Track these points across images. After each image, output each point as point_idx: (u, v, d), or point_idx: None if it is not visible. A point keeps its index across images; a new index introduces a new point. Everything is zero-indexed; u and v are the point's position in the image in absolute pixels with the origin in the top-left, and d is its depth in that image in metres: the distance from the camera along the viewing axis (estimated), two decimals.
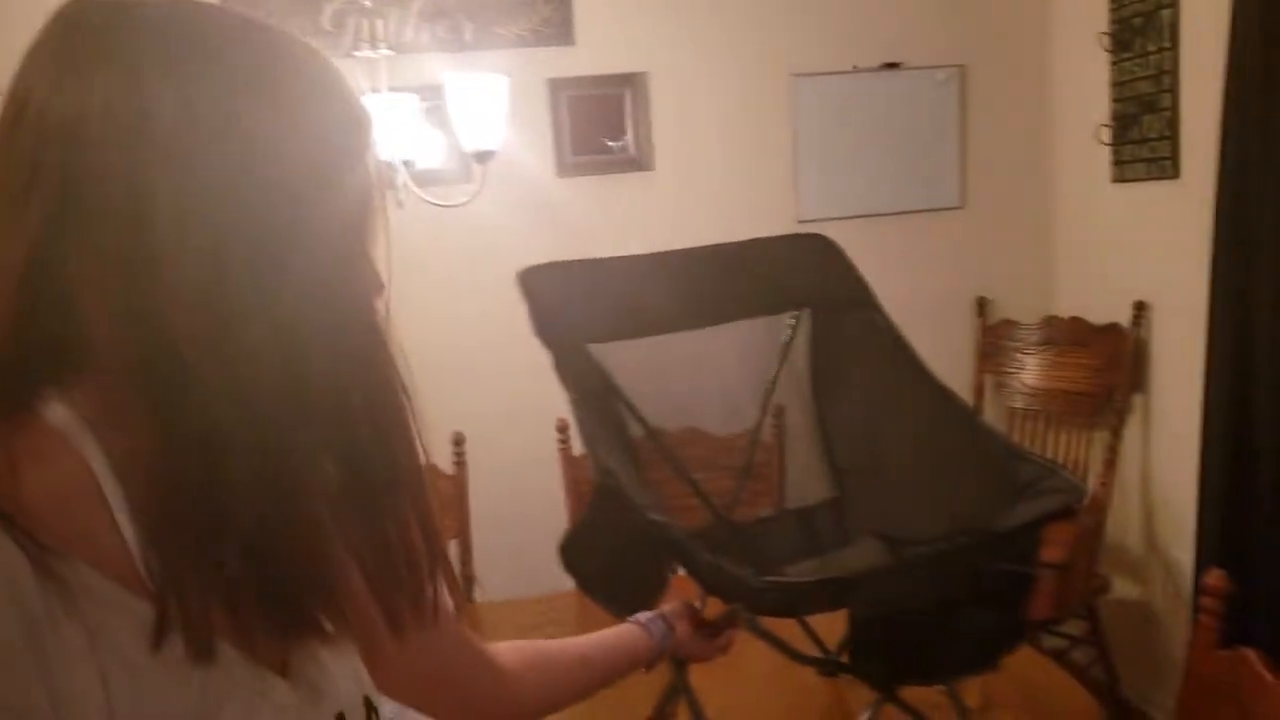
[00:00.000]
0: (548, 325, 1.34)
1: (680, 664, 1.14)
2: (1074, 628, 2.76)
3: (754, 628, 1.09)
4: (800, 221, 2.84)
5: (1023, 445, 1.17)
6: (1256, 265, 2.01)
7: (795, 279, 1.51)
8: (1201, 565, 2.23)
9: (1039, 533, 1.01)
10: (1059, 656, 2.85)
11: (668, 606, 1.09)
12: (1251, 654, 1.00)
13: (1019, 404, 2.84)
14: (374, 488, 0.58)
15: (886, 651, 1.01)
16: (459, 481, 2.18)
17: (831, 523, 1.53)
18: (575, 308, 1.41)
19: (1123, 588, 2.79)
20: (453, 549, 2.22)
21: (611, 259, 1.48)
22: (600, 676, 0.97)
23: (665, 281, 1.47)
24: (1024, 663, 1.62)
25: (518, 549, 2.23)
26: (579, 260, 1.46)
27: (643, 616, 1.05)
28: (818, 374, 1.53)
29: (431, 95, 2.20)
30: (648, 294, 1.46)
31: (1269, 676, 0.96)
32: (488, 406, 2.58)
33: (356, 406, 0.56)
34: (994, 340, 2.93)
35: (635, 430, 1.47)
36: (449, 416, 2.36)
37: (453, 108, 1.96)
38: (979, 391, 2.93)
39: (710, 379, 1.59)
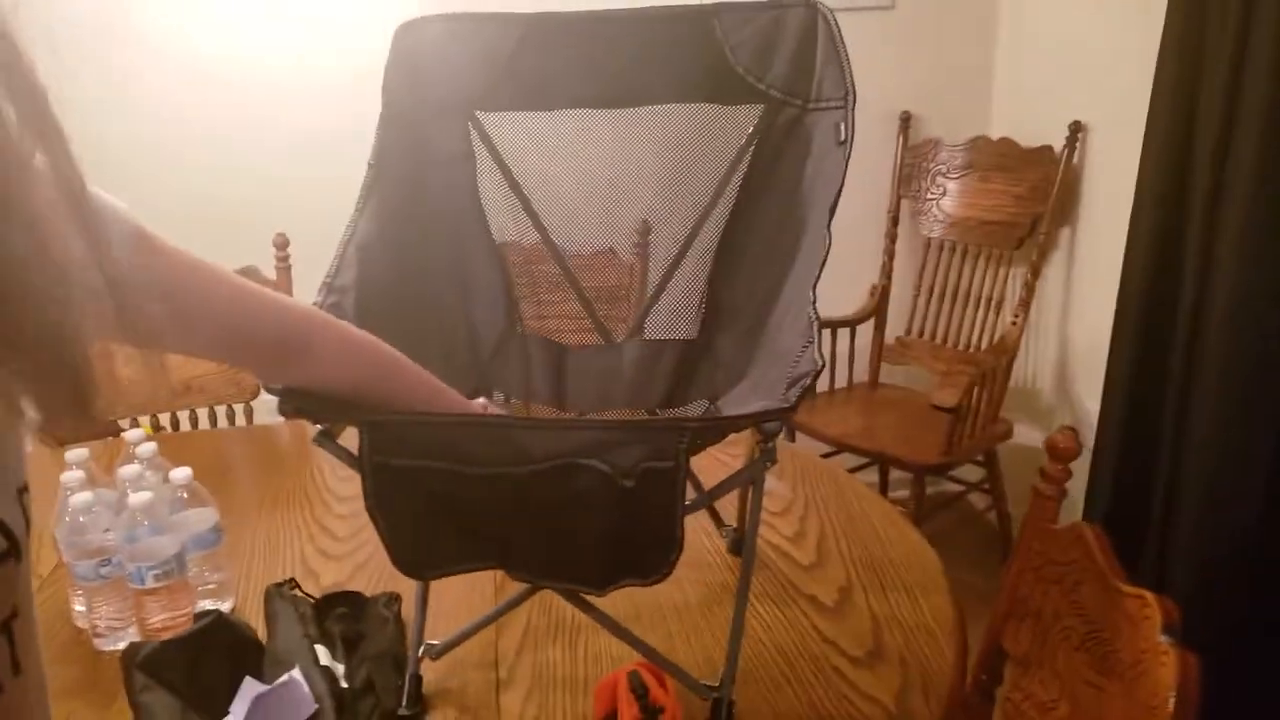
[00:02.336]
0: (402, 82, 1.13)
1: None
2: (972, 473, 2.65)
3: None
4: None
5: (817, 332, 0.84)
6: (1205, 81, 1.72)
7: (765, 63, 1.17)
8: (1107, 416, 2.07)
9: (678, 442, 0.69)
10: (951, 502, 2.75)
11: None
12: (1089, 531, 0.81)
13: (936, 233, 2.59)
14: None
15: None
16: (282, 288, 1.92)
17: (670, 365, 1.28)
18: (455, 66, 1.18)
19: (1028, 435, 2.65)
20: None
21: (518, 15, 1.20)
22: None
23: (584, 46, 1.20)
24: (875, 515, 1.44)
25: None
26: (475, 13, 1.19)
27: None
28: (747, 185, 1.22)
29: None
30: (558, 60, 1.19)
31: (1100, 557, 0.77)
32: (319, 204, 2.28)
33: None
34: (916, 161, 2.64)
35: (505, 230, 1.24)
36: (271, 216, 2.08)
37: None
38: (894, 219, 2.67)
39: (623, 177, 1.31)
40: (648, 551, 0.76)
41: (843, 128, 1.08)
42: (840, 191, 1.02)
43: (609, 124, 1.24)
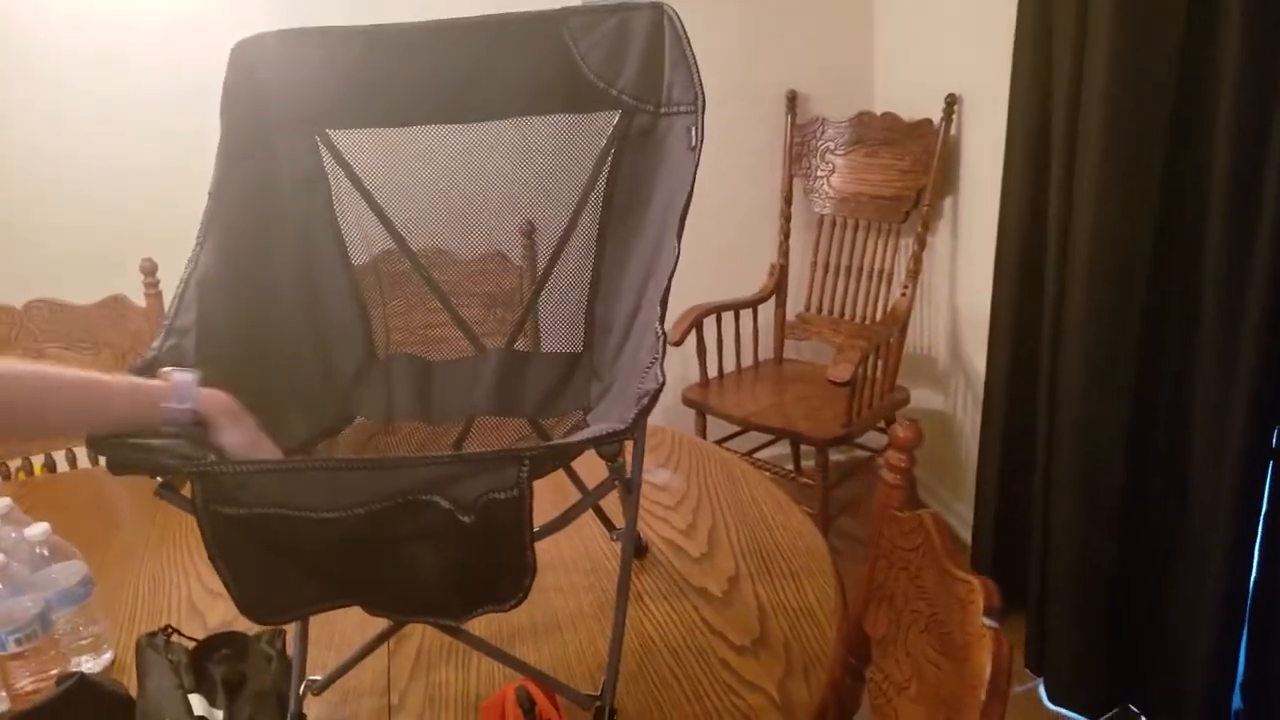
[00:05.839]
0: (242, 103, 1.10)
1: None
2: (879, 438, 2.72)
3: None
4: None
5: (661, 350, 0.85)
6: (1056, 56, 1.79)
7: (616, 68, 1.17)
8: (991, 377, 2.15)
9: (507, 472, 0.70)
10: (860, 467, 2.83)
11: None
12: (928, 518, 0.84)
13: (827, 210, 2.64)
14: None
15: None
16: (153, 315, 1.87)
17: (547, 373, 1.28)
18: (297, 83, 1.15)
19: (926, 398, 2.73)
20: None
21: (357, 28, 1.17)
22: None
23: (429, 59, 1.18)
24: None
25: None
26: (314, 28, 1.16)
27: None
28: (610, 195, 1.23)
29: None
30: (402, 74, 1.17)
31: (938, 543, 0.80)
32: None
33: None
34: (804, 140, 2.69)
35: (374, 246, 1.22)
36: (139, 240, 2.04)
37: None
38: (788, 198, 2.71)
39: (483, 190, 1.31)
40: (501, 579, 0.77)
41: (693, 133, 1.08)
42: (690, 199, 1.03)
43: (466, 138, 1.23)
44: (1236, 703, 1.68)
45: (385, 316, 1.30)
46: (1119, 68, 1.60)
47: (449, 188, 1.28)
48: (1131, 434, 1.77)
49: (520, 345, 1.30)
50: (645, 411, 0.74)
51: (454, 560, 0.74)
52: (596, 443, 0.72)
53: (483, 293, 1.47)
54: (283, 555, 0.74)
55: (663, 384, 0.78)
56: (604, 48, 1.18)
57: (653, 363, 0.81)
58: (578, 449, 0.74)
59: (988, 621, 0.68)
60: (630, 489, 0.94)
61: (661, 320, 0.87)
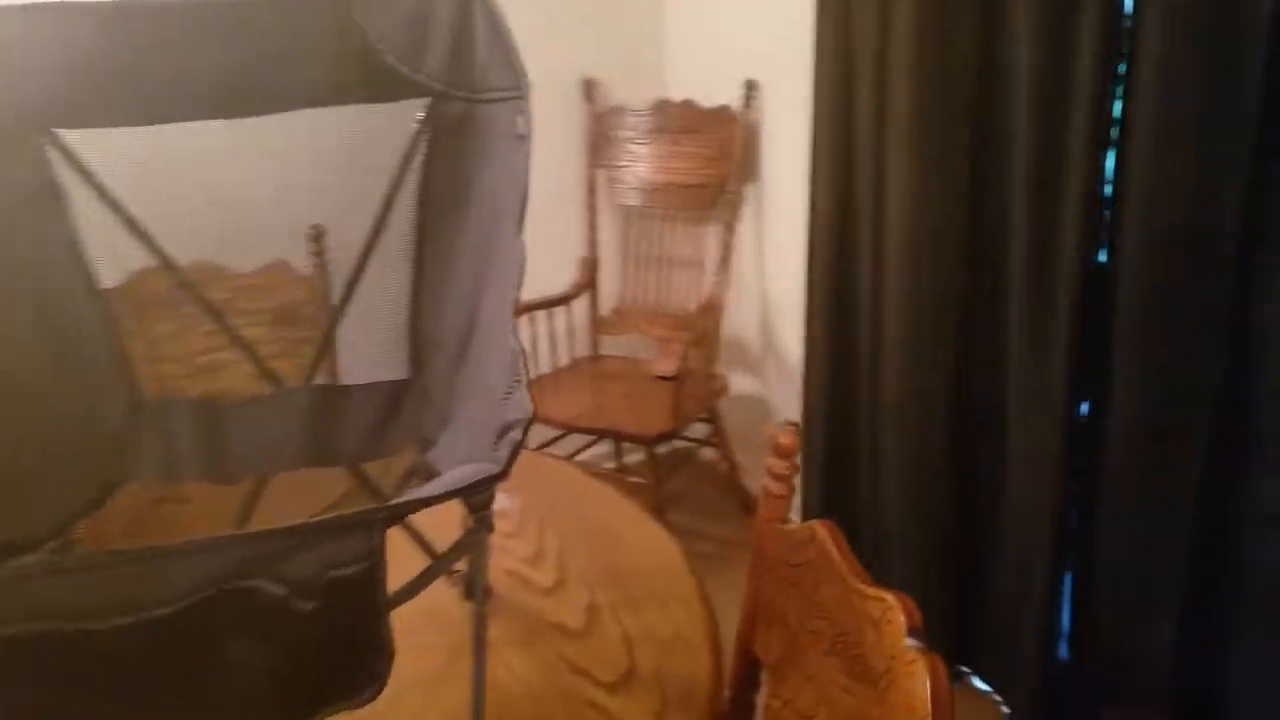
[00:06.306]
0: None
1: None
2: (698, 428, 2.70)
3: None
4: None
5: (523, 373, 0.72)
6: (858, 42, 1.80)
7: (420, 52, 1.02)
8: (811, 360, 2.16)
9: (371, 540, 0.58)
10: (684, 460, 2.81)
11: None
12: (822, 529, 0.78)
13: (633, 201, 2.58)
14: None
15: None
16: None
17: (369, 406, 1.11)
18: (7, 76, 0.94)
19: (741, 383, 2.74)
20: None
21: (85, 5, 0.96)
22: None
23: (190, 44, 0.98)
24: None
25: None
26: (19, 5, 0.94)
27: None
28: (427, 193, 1.07)
29: None
30: (155, 62, 0.98)
31: (837, 557, 0.74)
32: None
33: None
34: (603, 129, 2.61)
35: (109, 260, 1.00)
36: None
37: None
38: (591, 189, 2.63)
39: (263, 193, 1.11)
40: (352, 666, 0.63)
41: (520, 120, 0.97)
42: (525, 191, 0.92)
43: (240, 135, 1.04)
44: (1063, 654, 1.77)
45: (153, 345, 1.10)
46: (922, 47, 1.62)
47: (221, 193, 1.10)
48: (953, 407, 1.82)
49: (326, 376, 1.13)
50: (518, 449, 0.62)
51: (294, 654, 0.59)
52: (466, 493, 0.60)
53: (266, 309, 1.29)
54: (55, 684, 0.56)
55: (532, 414, 0.66)
56: (404, 29, 1.03)
57: (514, 386, 0.69)
58: (441, 500, 0.61)
59: (912, 643, 0.62)
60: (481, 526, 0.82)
61: (515, 333, 0.75)
